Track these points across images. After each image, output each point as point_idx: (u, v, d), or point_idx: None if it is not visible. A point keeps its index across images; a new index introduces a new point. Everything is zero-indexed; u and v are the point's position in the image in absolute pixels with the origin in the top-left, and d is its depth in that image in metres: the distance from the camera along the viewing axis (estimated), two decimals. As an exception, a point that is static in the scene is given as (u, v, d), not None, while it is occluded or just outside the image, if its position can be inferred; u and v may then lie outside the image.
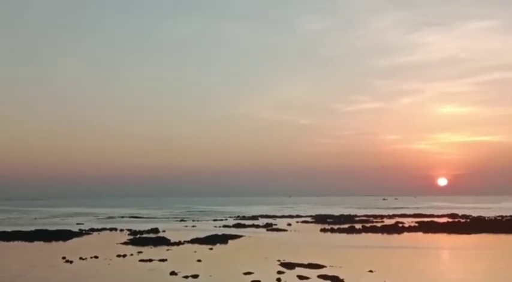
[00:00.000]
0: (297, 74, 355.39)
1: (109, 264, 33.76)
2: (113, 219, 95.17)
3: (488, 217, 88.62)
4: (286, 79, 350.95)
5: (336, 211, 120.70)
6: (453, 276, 29.54)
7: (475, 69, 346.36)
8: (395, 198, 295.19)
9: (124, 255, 37.78)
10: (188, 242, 47.60)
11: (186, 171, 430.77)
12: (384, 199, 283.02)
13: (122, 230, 64.39)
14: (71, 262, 34.34)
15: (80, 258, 35.80)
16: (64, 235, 55.98)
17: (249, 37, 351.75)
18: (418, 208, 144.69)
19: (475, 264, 33.60)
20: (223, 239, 50.51)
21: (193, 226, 75.19)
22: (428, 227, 64.94)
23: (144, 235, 55.63)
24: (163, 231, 61.20)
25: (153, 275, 28.93)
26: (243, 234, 57.01)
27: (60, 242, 50.67)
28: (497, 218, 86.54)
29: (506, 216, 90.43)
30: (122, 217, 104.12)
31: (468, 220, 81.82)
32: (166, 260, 34.92)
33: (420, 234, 58.65)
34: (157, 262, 34.07)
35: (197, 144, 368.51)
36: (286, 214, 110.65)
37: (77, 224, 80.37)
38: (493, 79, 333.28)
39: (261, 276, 27.08)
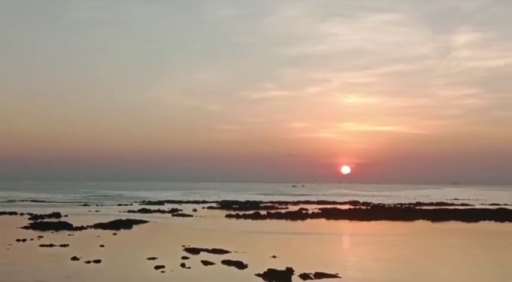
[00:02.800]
0: (205, 60, 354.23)
1: (8, 248, 32.77)
2: (13, 203, 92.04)
3: (388, 205, 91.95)
4: (193, 65, 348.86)
5: (242, 197, 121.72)
6: (355, 261, 30.43)
7: (379, 60, 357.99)
8: (303, 185, 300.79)
9: (24, 240, 36.71)
10: (91, 227, 46.72)
11: (92, 155, 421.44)
12: (293, 186, 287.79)
13: (22, 214, 62.42)
14: (-33, 247, 33.08)
15: (-24, 243, 34.52)
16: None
17: (155, 21, 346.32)
18: (322, 195, 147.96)
19: (375, 250, 34.77)
20: (127, 224, 49.92)
21: (96, 211, 73.83)
22: (331, 213, 66.58)
23: (45, 219, 54.19)
24: (66, 215, 59.77)
25: (54, 260, 28.26)
26: (148, 219, 56.54)
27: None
28: (396, 205, 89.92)
29: (404, 204, 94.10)
30: (23, 201, 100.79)
31: (369, 207, 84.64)
32: (68, 245, 34.17)
33: (323, 220, 60.05)
34: (59, 247, 33.31)
35: (104, 129, 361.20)
36: (192, 200, 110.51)
37: (-26, 207, 77.29)
38: (395, 71, 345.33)
39: (165, 262, 26.97)
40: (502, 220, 59.13)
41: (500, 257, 32.31)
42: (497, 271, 26.90)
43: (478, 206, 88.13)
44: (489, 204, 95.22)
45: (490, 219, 60.14)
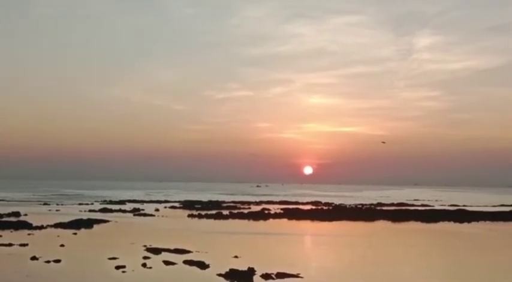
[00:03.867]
0: (169, 59, 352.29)
1: (-36, 248, 32.19)
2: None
3: (349, 205, 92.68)
4: (158, 64, 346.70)
5: (205, 197, 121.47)
6: (317, 261, 30.68)
7: (342, 62, 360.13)
8: (267, 185, 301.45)
9: (-19, 240, 36.11)
10: (51, 226, 46.09)
11: (53, 153, 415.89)
12: (258, 186, 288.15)
13: (-21, 213, 61.28)
14: None
15: None
16: None
17: (117, 17, 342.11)
18: (285, 195, 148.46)
19: (336, 250, 35.09)
20: (88, 223, 49.40)
21: (57, 210, 72.92)
22: (293, 214, 66.88)
23: (4, 218, 53.27)
24: (25, 214, 58.88)
25: (13, 260, 27.87)
26: (109, 219, 56.05)
27: None
28: (358, 206, 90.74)
29: (365, 205, 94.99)
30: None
31: (330, 208, 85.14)
32: (27, 244, 33.70)
33: (285, 220, 60.29)
34: (18, 247, 32.83)
35: (66, 126, 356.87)
36: (154, 199, 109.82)
37: None
38: (358, 72, 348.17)
39: (126, 261, 26.80)
40: (460, 221, 60.12)
41: (458, 257, 32.87)
42: (454, 271, 27.36)
43: (437, 207, 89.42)
44: (448, 205, 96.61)
45: (449, 220, 61.10)
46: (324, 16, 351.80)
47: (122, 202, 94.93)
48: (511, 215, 66.77)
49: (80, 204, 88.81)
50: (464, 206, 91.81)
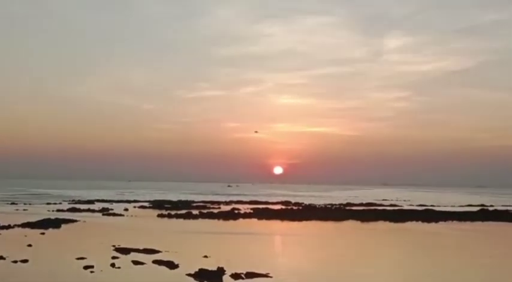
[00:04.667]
0: (138, 58, 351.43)
1: None
2: None
3: (319, 205, 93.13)
4: (127, 63, 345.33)
5: (175, 197, 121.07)
6: (286, 261, 30.80)
7: (312, 62, 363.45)
8: (237, 185, 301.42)
9: None
10: (18, 225, 45.53)
11: (20, 152, 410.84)
12: (229, 186, 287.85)
13: None
14: None
15: None
16: None
17: (85, 15, 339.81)
18: (255, 195, 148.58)
19: (306, 250, 35.27)
20: (56, 223, 48.88)
21: (24, 209, 72.07)
22: (263, 213, 67.01)
23: (-31, 218, 52.56)
24: (-8, 214, 58.14)
25: (-22, 261, 27.47)
26: (77, 218, 55.55)
27: None
28: (327, 206, 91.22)
29: (335, 205, 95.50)
30: None
31: (300, 208, 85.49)
32: (-7, 244, 33.31)
33: (255, 220, 60.37)
34: (-16, 247, 32.41)
35: (32, 125, 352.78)
36: (123, 199, 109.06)
37: None
38: (328, 73, 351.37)
39: (94, 261, 26.60)
40: (428, 221, 60.82)
41: (425, 255, 33.25)
42: (421, 270, 27.69)
43: (406, 207, 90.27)
44: (416, 205, 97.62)
45: (417, 220, 61.73)
46: (295, 16, 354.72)
47: (91, 202, 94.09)
48: (478, 215, 67.78)
49: (48, 203, 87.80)
50: (432, 206, 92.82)
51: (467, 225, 57.14)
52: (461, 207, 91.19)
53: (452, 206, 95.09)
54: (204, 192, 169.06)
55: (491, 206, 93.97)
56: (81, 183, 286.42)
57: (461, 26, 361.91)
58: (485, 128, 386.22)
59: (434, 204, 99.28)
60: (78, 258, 27.84)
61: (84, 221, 53.80)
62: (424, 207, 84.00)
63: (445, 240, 43.42)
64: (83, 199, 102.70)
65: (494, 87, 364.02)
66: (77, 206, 79.39)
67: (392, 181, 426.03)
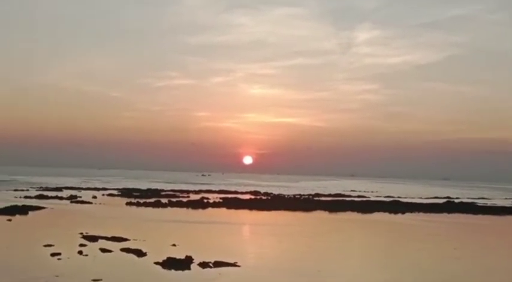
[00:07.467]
0: (105, 46, 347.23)
1: None
2: None
3: (288, 195, 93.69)
4: (93, 50, 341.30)
5: (144, 185, 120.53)
6: (254, 250, 31.03)
7: (282, 53, 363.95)
8: (209, 174, 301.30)
9: None
10: (-16, 212, 45.08)
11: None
12: (202, 175, 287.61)
13: None
14: None
15: None
16: None
17: (48, 3, 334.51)
18: (224, 184, 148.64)
19: (274, 240, 35.51)
20: (23, 210, 48.42)
21: (-10, 196, 71.26)
22: (232, 203, 67.17)
23: None
24: (-43, 200, 57.39)
25: None
26: (45, 205, 55.08)
27: None
28: (296, 196, 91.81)
29: (303, 195, 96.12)
30: None
31: (269, 197, 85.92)
32: (-41, 231, 32.95)
33: (224, 209, 60.51)
34: (-51, 233, 32.06)
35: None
36: (92, 186, 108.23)
37: None
38: (298, 64, 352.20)
39: (61, 249, 26.50)
40: (395, 212, 61.64)
41: (391, 244, 33.79)
42: (384, 259, 28.16)
43: (373, 198, 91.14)
44: (384, 197, 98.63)
45: (384, 211, 62.52)
46: (264, 7, 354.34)
47: (59, 189, 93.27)
48: (443, 207, 68.97)
49: (15, 190, 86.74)
50: (398, 197, 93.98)
51: (433, 217, 58.04)
52: (427, 199, 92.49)
53: (419, 198, 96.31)
54: (174, 181, 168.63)
55: (457, 198, 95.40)
56: (50, 170, 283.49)
57: (428, 20, 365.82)
58: (450, 121, 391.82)
59: (401, 196, 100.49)
60: (45, 246, 27.71)
61: (52, 208, 53.38)
62: (391, 199, 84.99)
63: (412, 231, 44.09)
64: (51, 186, 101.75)
65: (459, 81, 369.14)
66: (45, 193, 78.59)
67: (360, 172, 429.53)
